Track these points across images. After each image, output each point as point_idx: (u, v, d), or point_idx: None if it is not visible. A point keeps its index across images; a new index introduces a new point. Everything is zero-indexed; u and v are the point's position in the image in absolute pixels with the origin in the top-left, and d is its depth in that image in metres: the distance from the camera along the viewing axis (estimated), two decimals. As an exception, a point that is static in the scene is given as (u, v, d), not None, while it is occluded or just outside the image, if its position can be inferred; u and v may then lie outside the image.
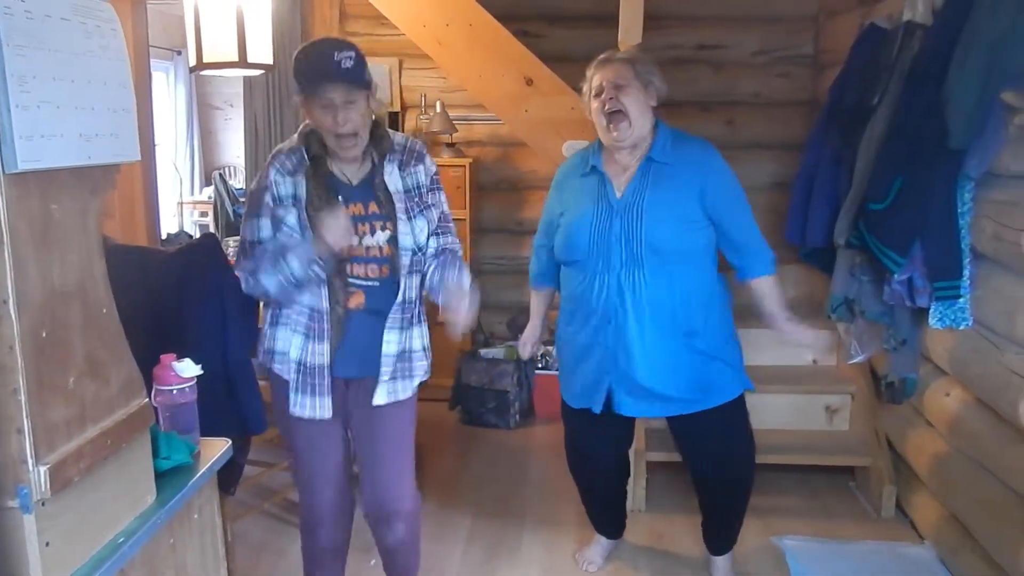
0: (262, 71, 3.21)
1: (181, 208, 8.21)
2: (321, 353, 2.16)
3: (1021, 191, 2.39)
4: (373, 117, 2.16)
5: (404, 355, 2.25)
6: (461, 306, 2.11)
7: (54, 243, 1.22)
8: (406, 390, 2.27)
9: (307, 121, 2.17)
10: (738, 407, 2.65)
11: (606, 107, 2.44)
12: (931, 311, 2.69)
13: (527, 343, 2.92)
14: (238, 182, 7.97)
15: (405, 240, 2.18)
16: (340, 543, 2.42)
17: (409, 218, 2.19)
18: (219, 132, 8.80)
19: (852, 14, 3.94)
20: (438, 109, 4.52)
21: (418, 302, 2.29)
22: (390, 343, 2.19)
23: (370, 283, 2.18)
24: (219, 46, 2.93)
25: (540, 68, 3.85)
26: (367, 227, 2.16)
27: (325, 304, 2.15)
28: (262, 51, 3.04)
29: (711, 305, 2.54)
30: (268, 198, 2.14)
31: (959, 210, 2.59)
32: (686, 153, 2.51)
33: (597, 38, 4.47)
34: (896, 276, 2.70)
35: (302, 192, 2.12)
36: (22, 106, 1.12)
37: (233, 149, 8.56)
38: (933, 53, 2.60)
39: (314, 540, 2.38)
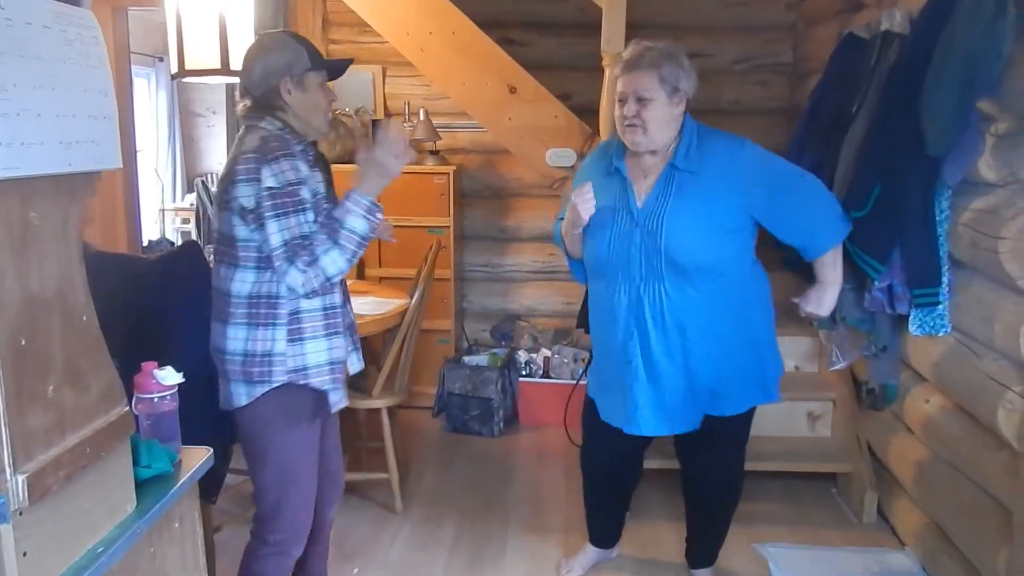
0: (245, 78, 3.19)
1: (163, 215, 8.16)
2: (343, 347, 2.23)
3: (998, 199, 2.42)
4: None
5: None
6: None
7: (33, 250, 1.21)
8: None
9: (283, 104, 2.11)
10: (747, 420, 2.62)
11: (625, 121, 2.37)
12: (911, 318, 2.71)
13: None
14: (220, 189, 7.93)
15: None
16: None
17: None
18: (201, 139, 8.75)
19: (831, 23, 3.98)
20: (421, 117, 4.52)
21: None
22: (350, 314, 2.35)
23: None
24: (201, 53, 2.92)
25: (523, 76, 3.86)
26: None
27: (339, 298, 2.21)
28: (245, 58, 3.03)
29: (745, 312, 2.48)
30: (306, 192, 2.03)
31: (937, 218, 2.62)
32: (712, 156, 2.39)
33: (580, 46, 4.53)
34: (876, 283, 2.73)
35: (322, 185, 2.15)
36: (2, 113, 1.11)
37: (215, 156, 8.52)
38: (910, 62, 2.63)
39: (288, 560, 2.30)
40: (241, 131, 2.15)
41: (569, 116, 3.92)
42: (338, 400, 2.24)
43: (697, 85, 2.41)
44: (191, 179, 8.36)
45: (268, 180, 1.98)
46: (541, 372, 4.46)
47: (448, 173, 4.54)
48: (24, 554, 1.18)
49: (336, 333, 2.19)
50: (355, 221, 2.01)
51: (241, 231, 2.05)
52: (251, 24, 3.05)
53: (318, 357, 2.15)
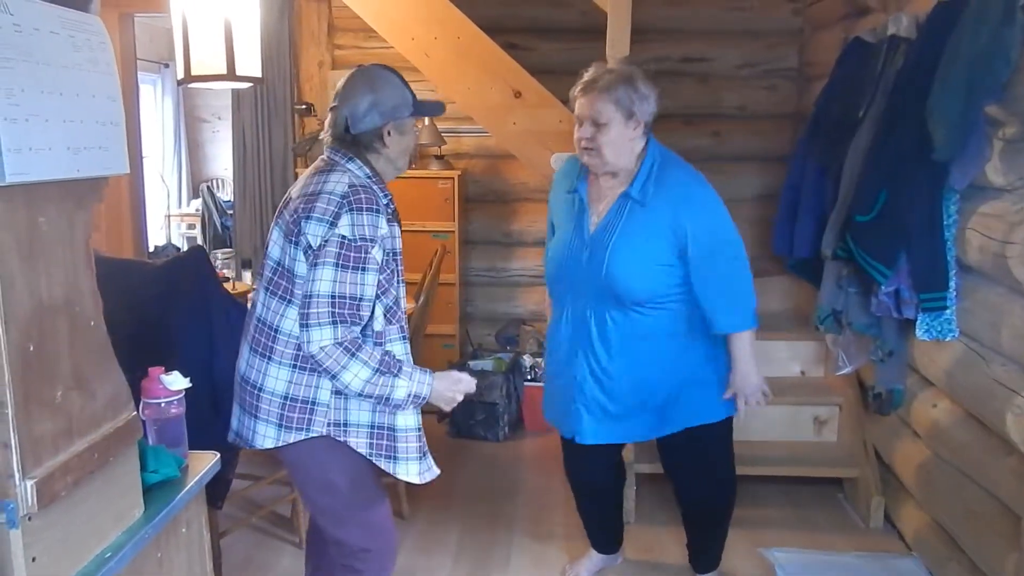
0: (250, 84, 3.20)
1: (168, 221, 8.20)
2: (395, 414, 2.09)
3: (1005, 204, 2.41)
4: None
5: None
6: None
7: (41, 256, 1.21)
8: None
9: (379, 147, 2.06)
10: (720, 429, 2.61)
11: (581, 144, 2.37)
12: (918, 322, 2.70)
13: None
14: (226, 194, 7.98)
15: None
16: None
17: None
18: (207, 145, 8.79)
19: (837, 28, 3.98)
20: (426, 121, 4.52)
21: None
22: None
23: None
24: (207, 59, 2.93)
25: (528, 80, 3.86)
26: None
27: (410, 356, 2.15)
28: (250, 64, 3.03)
29: (690, 334, 2.47)
30: (377, 252, 1.95)
31: (944, 222, 2.61)
32: (667, 190, 2.36)
33: (585, 51, 4.49)
34: (883, 288, 2.72)
35: (400, 244, 2.08)
36: (10, 119, 1.11)
37: (221, 162, 8.56)
38: (917, 67, 2.63)
39: None
40: (323, 163, 2.07)
41: (573, 121, 3.92)
42: (404, 471, 2.09)
43: (655, 110, 2.38)
44: (196, 185, 8.40)
45: (344, 228, 1.91)
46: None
47: (453, 178, 4.55)
48: (33, 559, 1.18)
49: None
50: (401, 391, 1.98)
51: (302, 267, 1.96)
52: (257, 30, 3.06)
53: (360, 416, 2.03)
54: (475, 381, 2.12)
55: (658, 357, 2.47)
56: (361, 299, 1.93)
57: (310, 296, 1.92)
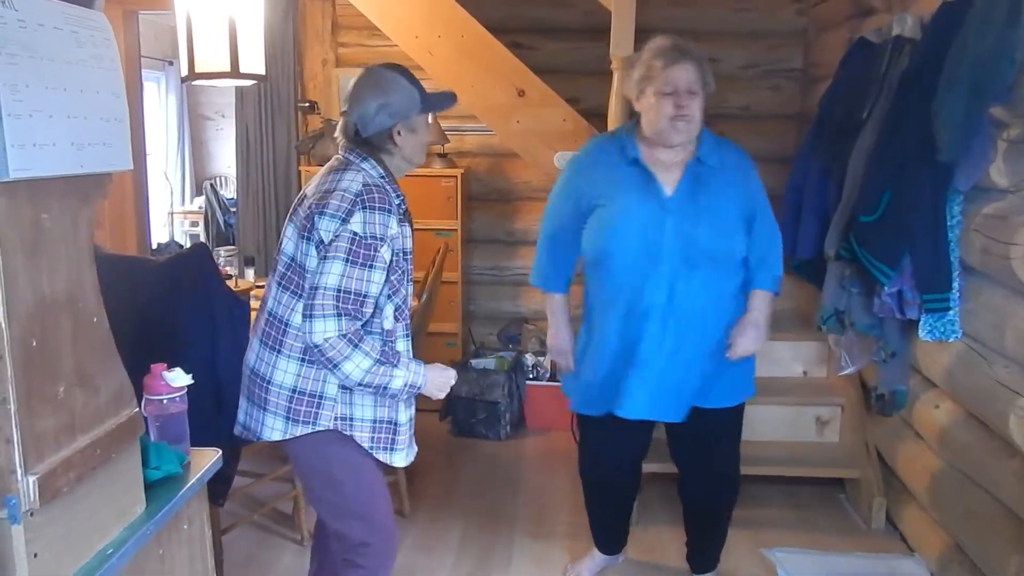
0: (254, 81, 3.21)
1: (172, 218, 8.20)
2: (398, 408, 2.15)
3: (1009, 205, 2.41)
4: None
5: None
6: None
7: (44, 252, 1.21)
8: None
9: (391, 148, 2.10)
10: (738, 415, 2.67)
11: (679, 112, 2.36)
12: (921, 323, 2.70)
13: (566, 353, 2.71)
14: (229, 192, 7.99)
15: None
16: None
17: None
18: (210, 142, 8.80)
19: (841, 28, 3.97)
20: (430, 120, 4.51)
21: None
22: None
23: None
24: (211, 56, 2.93)
25: (532, 79, 3.87)
26: None
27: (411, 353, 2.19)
28: (254, 61, 3.04)
29: (739, 297, 2.54)
30: (386, 252, 1.99)
31: (948, 223, 2.61)
32: (729, 158, 2.50)
33: (588, 50, 4.52)
34: (886, 288, 2.72)
35: (411, 243, 2.12)
36: (14, 115, 1.11)
37: (224, 159, 8.57)
38: (922, 68, 2.62)
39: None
40: (338, 162, 2.10)
41: (577, 119, 3.92)
42: (396, 459, 2.15)
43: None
44: (200, 182, 8.41)
45: (356, 225, 1.95)
46: (548, 376, 4.45)
47: (456, 176, 4.55)
48: (35, 555, 1.18)
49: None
50: (399, 381, 2.02)
51: (313, 262, 1.99)
52: (261, 27, 3.07)
53: (364, 411, 2.08)
54: (455, 373, 2.21)
55: (723, 319, 2.51)
56: (366, 295, 1.96)
57: (316, 288, 1.95)
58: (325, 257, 1.95)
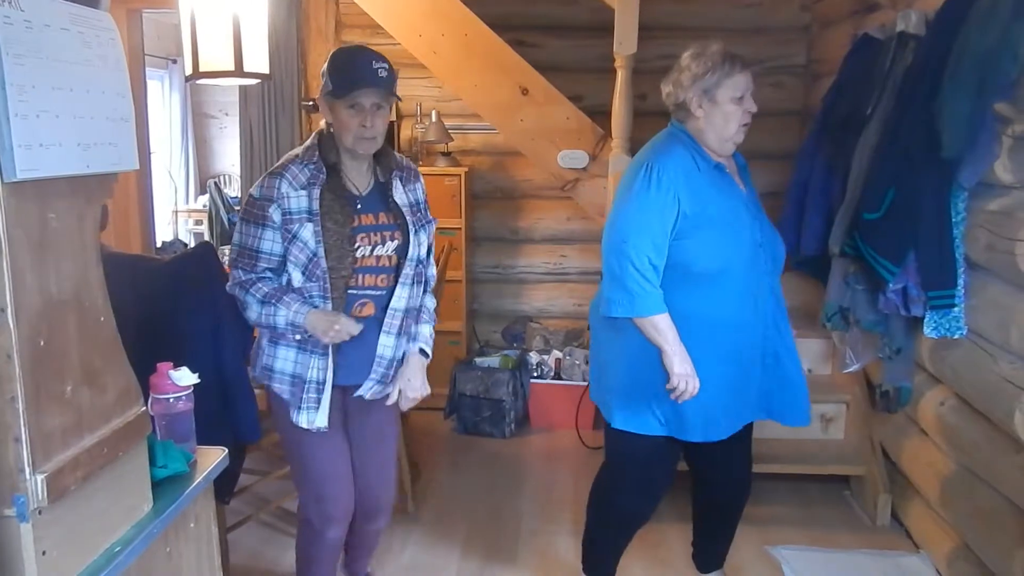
0: (258, 80, 3.21)
1: (176, 216, 8.20)
2: (323, 368, 2.21)
3: (1014, 201, 2.40)
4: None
5: (397, 361, 2.32)
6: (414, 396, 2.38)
7: (51, 252, 1.22)
8: (392, 395, 2.34)
9: (323, 125, 2.21)
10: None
11: (748, 116, 2.39)
12: (925, 320, 2.69)
13: (694, 376, 2.28)
14: (233, 191, 7.98)
15: (413, 251, 2.27)
16: (341, 541, 2.46)
17: (415, 231, 2.28)
18: (214, 141, 8.80)
19: (845, 24, 3.96)
20: (433, 118, 4.52)
21: (416, 311, 2.36)
22: (387, 347, 2.27)
23: (379, 292, 2.25)
24: (215, 55, 2.93)
25: (535, 78, 3.87)
26: (379, 237, 2.23)
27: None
28: (258, 60, 3.04)
29: None
30: (274, 212, 2.13)
31: (953, 220, 2.60)
32: (738, 158, 2.52)
33: (592, 48, 4.52)
34: (890, 285, 2.71)
35: (317, 206, 2.14)
36: (21, 115, 1.12)
37: (228, 158, 8.57)
38: (926, 64, 2.62)
39: (322, 540, 2.37)
40: None
41: (581, 118, 3.92)
42: (303, 418, 2.22)
43: None
44: (204, 181, 8.41)
45: (254, 190, 2.18)
46: (552, 374, 4.45)
47: (460, 175, 4.55)
48: (43, 553, 1.18)
49: (310, 351, 2.20)
50: (281, 319, 2.15)
51: None
52: (265, 26, 3.06)
53: (284, 365, 2.23)
54: (360, 327, 2.16)
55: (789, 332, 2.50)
56: (258, 251, 2.16)
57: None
58: None
